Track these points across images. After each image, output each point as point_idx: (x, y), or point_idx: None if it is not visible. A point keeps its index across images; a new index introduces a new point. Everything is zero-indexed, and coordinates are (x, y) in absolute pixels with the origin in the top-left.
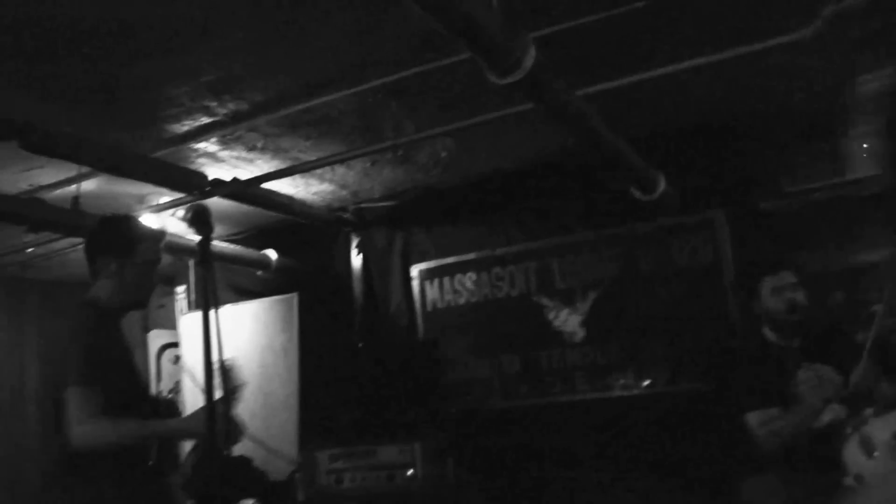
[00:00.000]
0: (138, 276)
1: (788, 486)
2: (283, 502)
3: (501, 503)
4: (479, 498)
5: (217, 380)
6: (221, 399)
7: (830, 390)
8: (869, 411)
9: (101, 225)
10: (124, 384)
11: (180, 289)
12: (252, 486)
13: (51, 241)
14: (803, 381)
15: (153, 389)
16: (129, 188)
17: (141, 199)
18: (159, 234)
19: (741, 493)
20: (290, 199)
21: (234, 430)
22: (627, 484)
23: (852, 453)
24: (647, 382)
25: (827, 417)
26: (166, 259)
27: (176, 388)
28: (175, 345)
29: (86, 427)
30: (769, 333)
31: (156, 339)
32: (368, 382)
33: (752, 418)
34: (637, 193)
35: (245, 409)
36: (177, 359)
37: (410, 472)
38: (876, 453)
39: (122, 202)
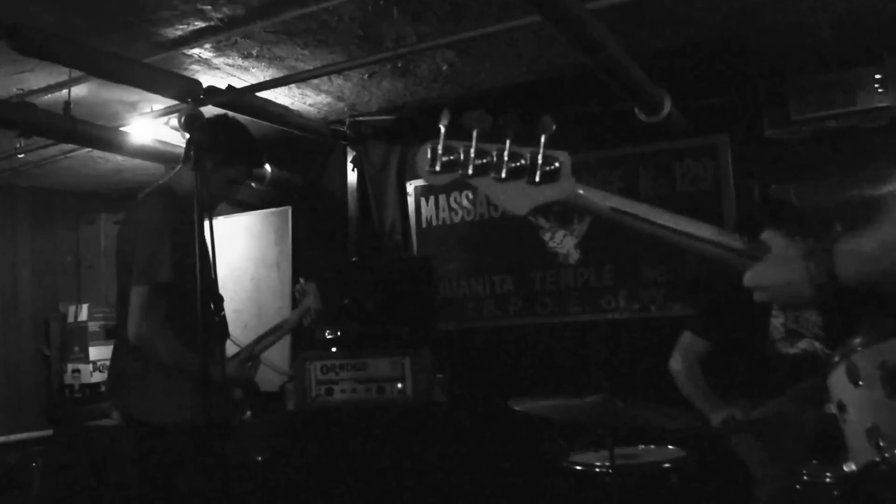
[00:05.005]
0: (221, 187)
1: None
2: (274, 413)
3: (490, 421)
4: (468, 414)
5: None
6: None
7: None
8: (857, 341)
9: (224, 124)
10: (191, 284)
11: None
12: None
13: (42, 146)
14: None
15: None
16: (122, 94)
17: (133, 106)
18: (261, 171)
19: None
20: (285, 109)
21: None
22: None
23: (837, 381)
24: (638, 306)
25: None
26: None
27: None
28: None
29: (142, 330)
30: None
31: None
32: (361, 297)
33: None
34: (642, 115)
35: (238, 321)
36: None
37: (400, 385)
38: (861, 383)
39: (114, 109)
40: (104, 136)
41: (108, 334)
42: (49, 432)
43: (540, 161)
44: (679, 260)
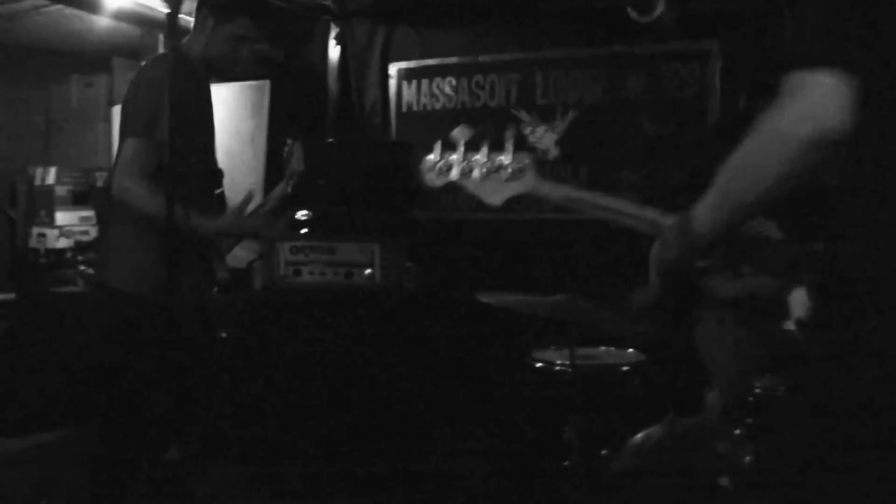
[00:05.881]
0: (228, 44)
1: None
2: (240, 289)
3: (456, 313)
4: (435, 305)
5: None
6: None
7: None
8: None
9: None
10: (190, 146)
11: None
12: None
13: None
14: None
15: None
16: None
17: None
18: (264, 18)
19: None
20: None
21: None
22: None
23: (799, 299)
24: None
25: None
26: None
27: None
28: None
29: (125, 183)
30: None
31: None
32: (337, 179)
33: None
34: (633, 14)
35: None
36: None
37: (368, 271)
38: None
39: None
40: None
41: (76, 199)
42: (12, 296)
43: (508, 163)
44: (659, 166)
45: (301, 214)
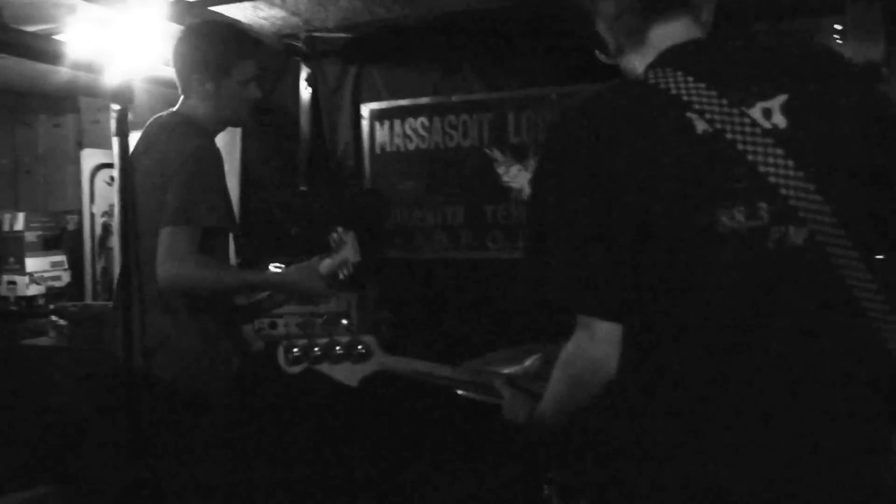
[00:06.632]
0: (236, 99)
1: None
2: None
3: (436, 353)
4: (412, 348)
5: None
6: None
7: None
8: None
9: (190, 37)
10: (223, 218)
11: (116, 106)
12: None
13: None
14: None
15: (86, 211)
16: None
17: (72, 10)
18: (263, 47)
19: None
20: (237, 23)
21: None
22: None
23: None
24: None
25: None
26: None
27: (110, 212)
28: (110, 165)
29: (174, 266)
30: None
31: (90, 157)
32: (309, 228)
33: None
34: (602, 56)
35: None
36: (112, 180)
37: (345, 322)
38: None
39: (48, 12)
40: (35, 45)
41: (47, 244)
42: None
43: (352, 347)
44: None
45: (273, 266)
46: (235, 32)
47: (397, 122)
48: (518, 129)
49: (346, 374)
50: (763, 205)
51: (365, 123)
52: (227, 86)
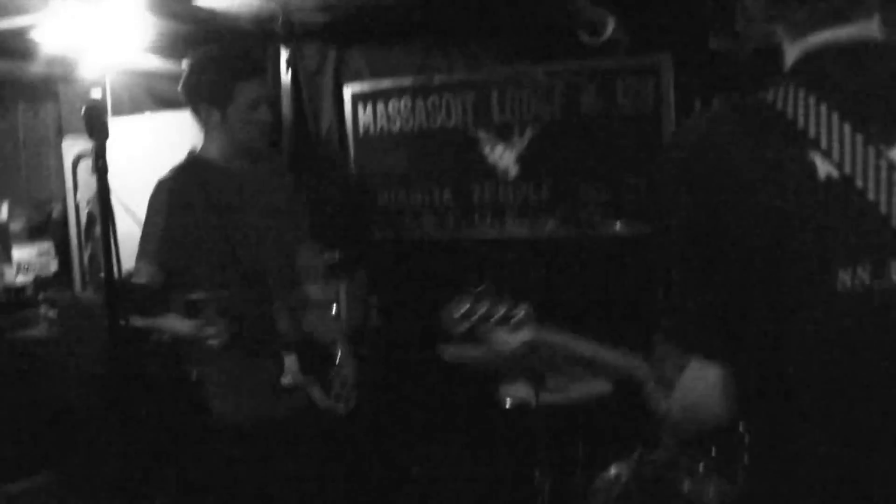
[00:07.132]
0: (246, 119)
1: None
2: None
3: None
4: (400, 336)
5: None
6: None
7: None
8: None
9: (189, 69)
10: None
11: (97, 91)
12: None
13: None
14: None
15: (71, 200)
16: None
17: (45, 1)
18: (260, 64)
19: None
20: (212, 13)
21: None
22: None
23: None
24: (575, 226)
25: None
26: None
27: (93, 200)
28: None
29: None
30: None
31: (71, 146)
32: None
33: None
34: (584, 37)
35: None
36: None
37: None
38: None
39: (25, 2)
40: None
41: (32, 234)
42: None
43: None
44: (618, 181)
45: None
46: (232, 55)
47: (380, 104)
48: (502, 108)
49: (504, 339)
50: (894, 264)
51: (347, 105)
52: (234, 111)
